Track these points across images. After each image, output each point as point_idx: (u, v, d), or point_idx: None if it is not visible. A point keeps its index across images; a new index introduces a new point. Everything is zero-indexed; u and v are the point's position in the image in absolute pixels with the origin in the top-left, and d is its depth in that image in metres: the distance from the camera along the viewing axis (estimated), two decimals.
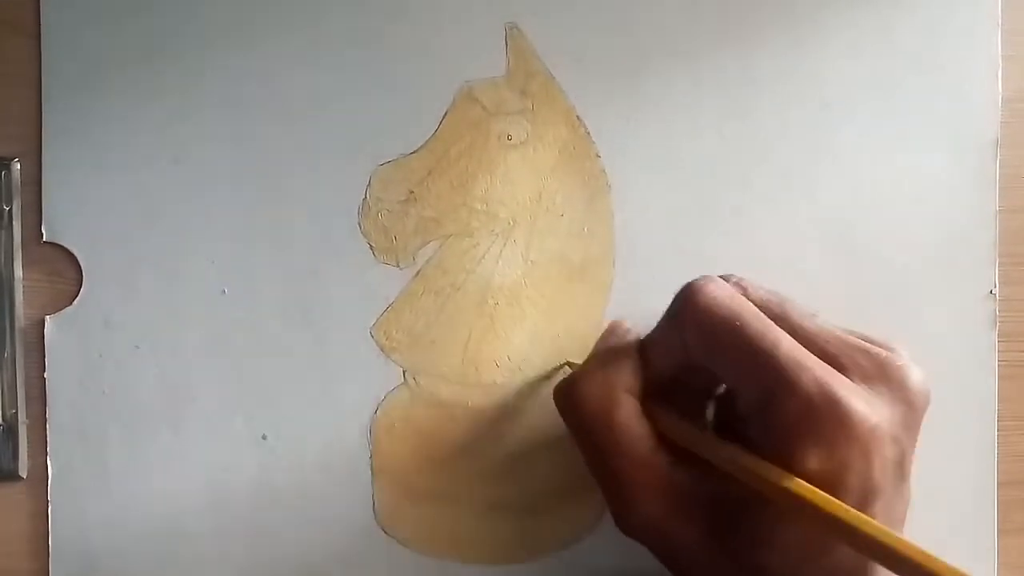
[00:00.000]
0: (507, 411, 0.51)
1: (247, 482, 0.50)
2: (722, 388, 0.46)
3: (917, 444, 0.41)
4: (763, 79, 0.52)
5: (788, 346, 0.40)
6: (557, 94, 0.51)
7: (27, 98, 0.49)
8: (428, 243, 0.51)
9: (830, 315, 0.52)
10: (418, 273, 0.51)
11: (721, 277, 0.43)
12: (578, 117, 0.51)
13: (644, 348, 0.45)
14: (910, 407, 0.40)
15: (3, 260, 0.49)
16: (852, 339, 0.42)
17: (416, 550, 0.51)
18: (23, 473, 0.49)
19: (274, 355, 0.50)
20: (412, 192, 0.51)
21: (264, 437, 0.50)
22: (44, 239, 0.49)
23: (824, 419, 0.38)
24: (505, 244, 0.51)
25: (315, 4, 0.50)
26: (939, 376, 0.52)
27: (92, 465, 0.49)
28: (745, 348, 0.40)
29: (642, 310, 0.51)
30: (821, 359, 0.40)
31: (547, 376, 0.51)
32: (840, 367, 0.40)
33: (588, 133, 0.51)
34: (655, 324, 0.45)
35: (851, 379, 0.40)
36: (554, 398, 0.45)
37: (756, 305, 0.42)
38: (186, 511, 0.50)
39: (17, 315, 0.49)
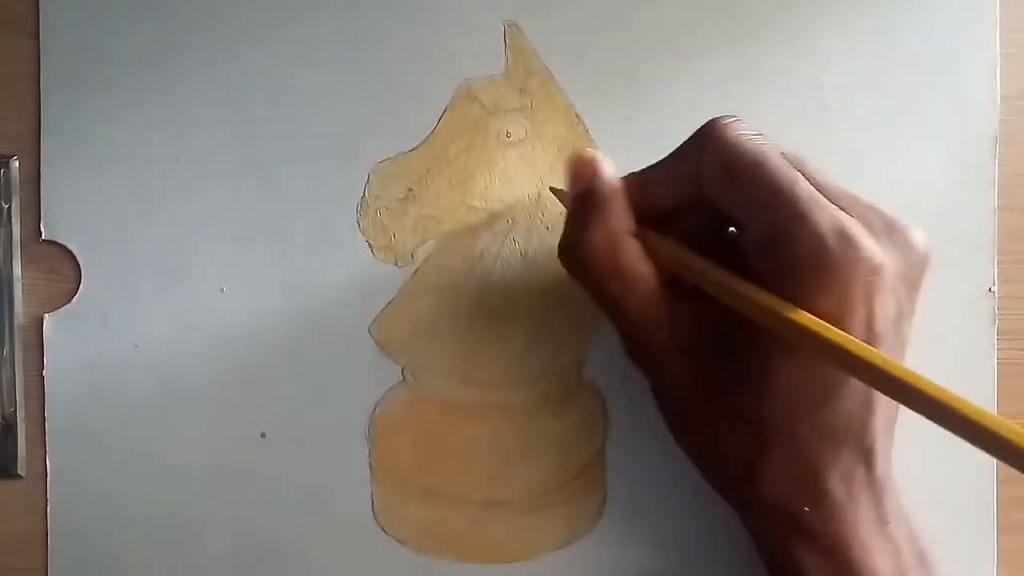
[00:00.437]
0: (506, 409, 0.51)
1: (247, 480, 0.50)
2: (710, 233, 0.45)
3: (915, 312, 0.43)
4: (762, 78, 0.52)
5: (806, 186, 0.40)
6: (556, 92, 0.51)
7: (26, 97, 0.49)
8: (427, 241, 0.51)
9: None
10: (417, 271, 0.51)
11: None
12: (577, 115, 0.51)
13: (640, 183, 0.45)
14: (912, 264, 0.42)
15: (2, 258, 0.49)
16: (863, 199, 0.42)
17: (415, 549, 0.51)
18: (22, 472, 0.49)
19: (273, 353, 0.50)
20: (411, 190, 0.51)
21: (263, 435, 0.50)
22: (43, 237, 0.49)
23: (834, 254, 0.39)
24: (504, 242, 0.51)
25: (314, 3, 0.50)
26: (937, 374, 0.52)
27: (91, 464, 0.50)
28: (765, 181, 0.40)
29: None
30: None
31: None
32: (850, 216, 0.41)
33: (587, 131, 0.51)
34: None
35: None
36: (559, 256, 0.45)
37: None
38: (185, 509, 0.50)
39: (16, 313, 0.49)
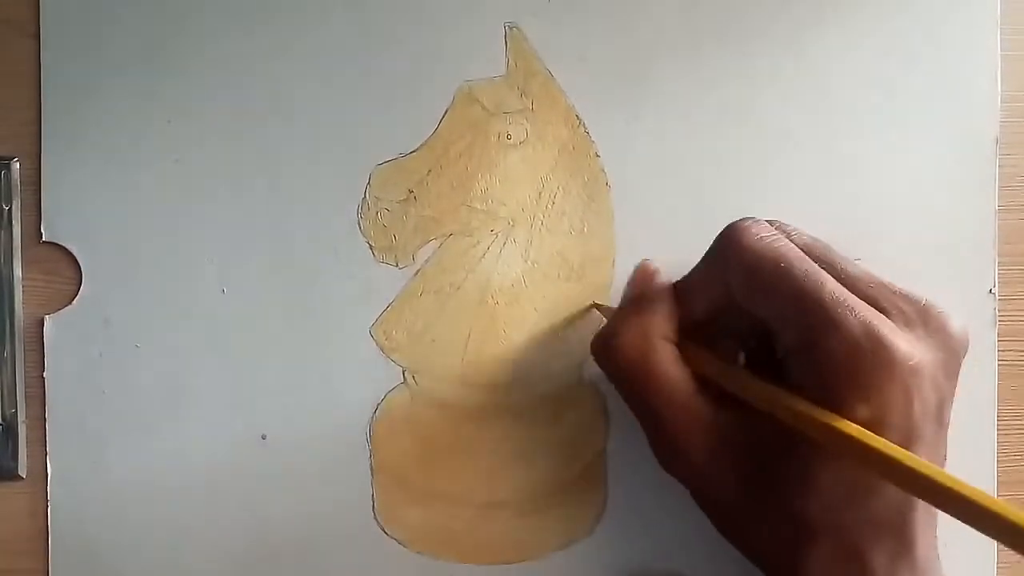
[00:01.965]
0: (507, 410, 0.51)
1: (247, 481, 0.50)
2: (754, 336, 0.46)
3: (956, 393, 0.42)
4: (763, 79, 0.52)
5: (833, 287, 0.40)
6: (557, 94, 0.51)
7: (27, 98, 0.49)
8: (428, 242, 0.51)
9: None
10: (418, 273, 0.51)
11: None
12: (578, 117, 0.51)
13: (680, 291, 0.45)
14: (950, 353, 0.41)
15: (3, 260, 0.49)
16: (894, 285, 0.42)
17: (415, 550, 0.51)
18: (23, 472, 0.49)
19: (274, 354, 0.50)
20: (411, 191, 0.51)
21: (264, 437, 0.50)
22: (43, 239, 0.49)
23: (868, 359, 0.38)
24: (505, 244, 0.51)
25: (315, 4, 0.50)
26: None
27: (92, 464, 0.50)
28: (790, 288, 0.40)
29: None
30: (864, 302, 0.40)
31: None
32: (882, 310, 0.40)
33: (588, 133, 0.51)
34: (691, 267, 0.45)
35: (893, 322, 0.40)
36: (592, 350, 0.46)
37: (800, 248, 0.42)
38: (186, 510, 0.50)
39: (16, 314, 0.49)
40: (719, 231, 0.50)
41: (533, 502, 0.51)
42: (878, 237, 0.52)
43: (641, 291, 0.46)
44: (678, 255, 0.51)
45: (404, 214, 0.51)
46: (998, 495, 0.53)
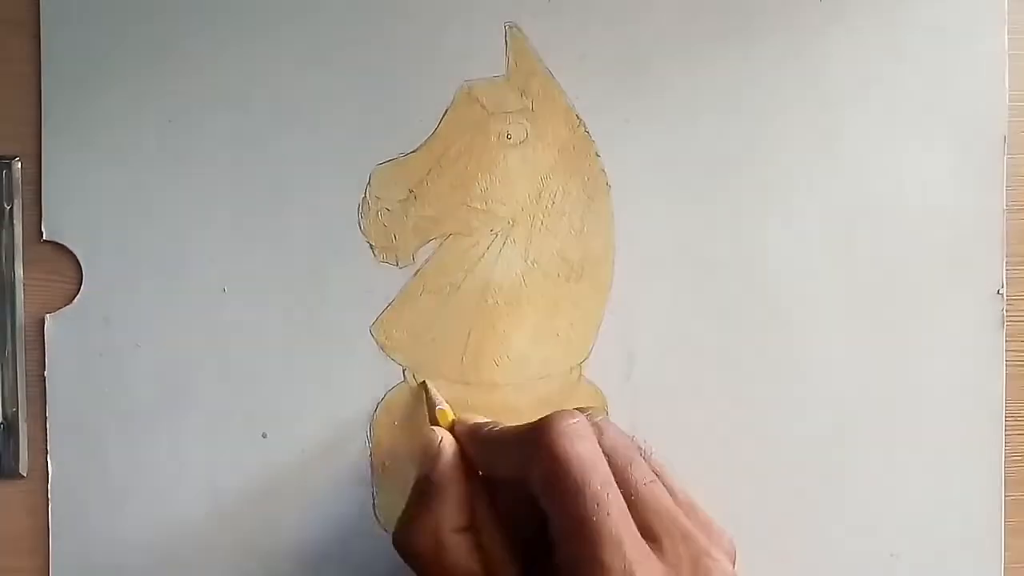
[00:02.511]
0: (506, 410, 0.51)
1: (247, 480, 0.50)
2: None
3: None
4: (765, 79, 0.52)
5: (614, 521, 0.40)
6: (557, 94, 0.51)
7: (27, 97, 0.49)
8: (428, 242, 0.51)
9: (833, 315, 0.52)
10: (418, 272, 0.51)
11: (579, 410, 0.44)
12: (578, 117, 0.51)
13: (490, 444, 0.45)
14: None
15: (3, 259, 0.49)
16: (680, 519, 0.42)
17: None
18: (23, 471, 0.50)
19: (274, 354, 0.50)
20: (412, 191, 0.51)
21: (264, 435, 0.50)
22: (44, 238, 0.50)
23: None
24: (505, 243, 0.51)
25: (315, 3, 0.50)
26: (946, 376, 0.52)
27: (92, 463, 0.50)
28: (576, 512, 0.40)
29: (642, 310, 0.51)
30: (644, 529, 0.40)
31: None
32: (657, 544, 0.41)
33: (588, 133, 0.51)
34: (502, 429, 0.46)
35: (662, 560, 0.40)
36: (392, 543, 0.45)
37: (605, 453, 0.42)
38: (186, 509, 0.50)
39: (17, 314, 0.49)
40: (719, 230, 0.50)
41: None
42: (884, 238, 0.52)
43: (426, 475, 0.46)
44: (678, 255, 0.51)
45: (404, 214, 0.51)
46: (1005, 495, 0.53)
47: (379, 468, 0.51)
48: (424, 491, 0.45)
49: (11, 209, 0.49)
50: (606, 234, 0.51)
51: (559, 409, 0.43)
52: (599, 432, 0.43)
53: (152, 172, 0.50)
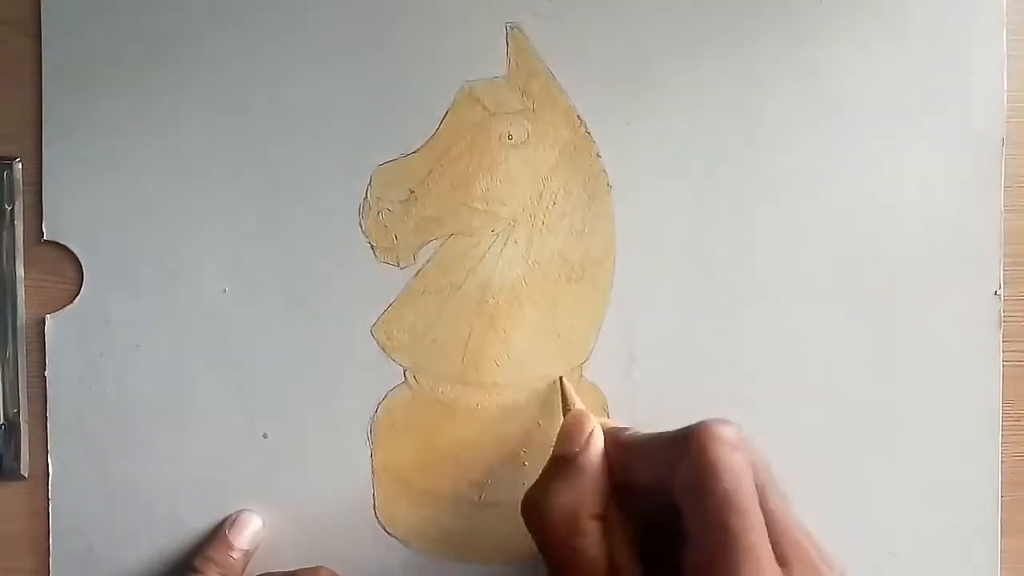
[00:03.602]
0: (507, 410, 0.51)
1: (247, 480, 0.50)
2: (654, 521, 0.46)
3: None
4: (765, 79, 0.52)
5: (755, 536, 0.40)
6: (558, 94, 0.51)
7: (27, 98, 0.49)
8: (429, 242, 0.51)
9: (831, 315, 0.52)
10: (419, 272, 0.51)
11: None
12: (579, 117, 0.51)
13: (631, 450, 0.45)
14: None
15: (4, 259, 0.49)
16: (807, 545, 0.42)
17: (416, 548, 0.51)
18: (24, 472, 0.50)
19: (275, 354, 0.50)
20: (413, 192, 0.51)
21: (265, 435, 0.50)
22: (45, 238, 0.50)
23: None
24: (506, 244, 0.51)
25: (316, 4, 0.50)
26: (943, 376, 0.52)
27: (93, 464, 0.50)
28: (724, 518, 0.40)
29: (642, 310, 0.51)
30: (776, 552, 0.41)
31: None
32: (787, 567, 0.41)
33: (588, 133, 0.51)
34: (652, 432, 0.45)
35: None
36: (521, 509, 0.45)
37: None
38: (186, 509, 0.50)
39: (18, 314, 0.49)
40: (719, 230, 0.50)
41: None
42: (883, 238, 0.52)
43: (579, 459, 0.46)
44: (678, 255, 0.51)
45: (405, 214, 0.51)
46: (1002, 495, 0.53)
47: (379, 467, 0.51)
48: (568, 469, 0.45)
49: (12, 210, 0.49)
50: (606, 234, 0.51)
51: (713, 419, 0.43)
52: (743, 443, 0.43)
53: (152, 172, 0.50)
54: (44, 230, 0.49)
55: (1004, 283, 0.53)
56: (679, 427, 0.43)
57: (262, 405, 0.50)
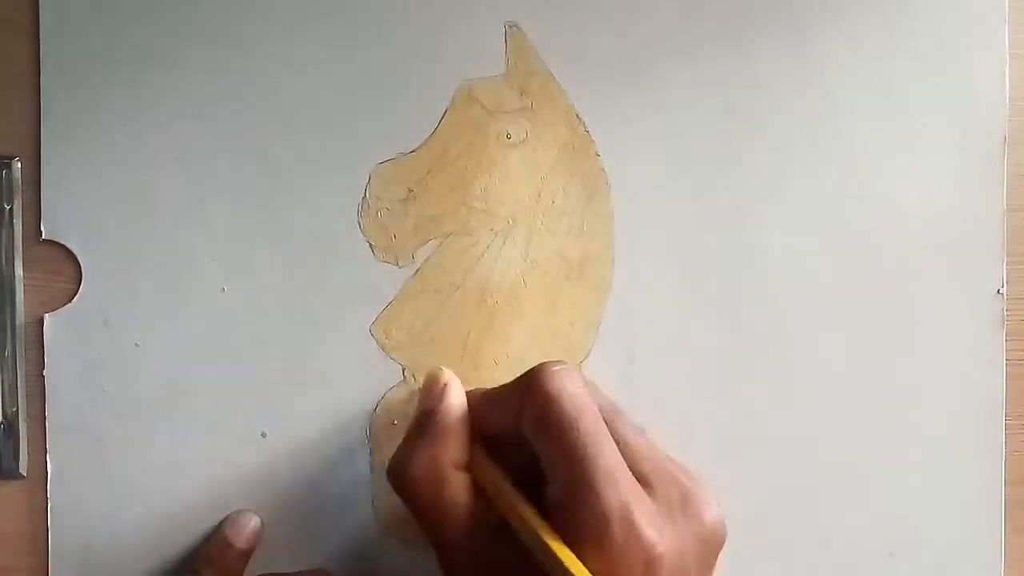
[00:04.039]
0: None
1: (247, 480, 0.50)
2: (527, 470, 0.46)
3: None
4: (765, 79, 0.52)
5: (608, 456, 0.41)
6: (557, 93, 0.51)
7: (27, 98, 0.49)
8: (427, 242, 0.51)
9: (832, 314, 0.52)
10: (417, 272, 0.51)
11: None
12: (578, 116, 0.51)
13: (475, 405, 0.46)
14: (702, 543, 0.42)
15: (3, 258, 0.49)
16: (668, 465, 0.43)
17: (415, 548, 0.51)
18: (23, 471, 0.50)
19: (274, 353, 0.50)
20: (412, 191, 0.50)
21: (264, 435, 0.50)
22: (43, 237, 0.49)
23: (616, 538, 0.40)
24: (504, 243, 0.51)
25: (315, 4, 0.50)
26: (946, 375, 0.52)
27: (92, 463, 0.50)
28: (571, 445, 0.41)
29: (642, 310, 0.51)
30: (632, 470, 0.42)
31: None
32: (648, 486, 0.42)
33: (588, 132, 0.51)
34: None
35: (654, 500, 0.42)
36: (387, 477, 0.46)
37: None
38: (186, 509, 0.50)
39: (17, 313, 0.49)
40: (719, 230, 0.50)
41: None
42: (885, 238, 0.52)
43: (436, 411, 0.46)
44: (678, 255, 0.51)
45: (404, 213, 0.51)
46: (1006, 494, 0.53)
47: (379, 468, 0.51)
48: (425, 425, 0.45)
49: (11, 209, 0.49)
50: (606, 234, 0.51)
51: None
52: (586, 382, 0.44)
53: (152, 172, 0.50)
54: (43, 229, 0.49)
55: (1007, 282, 0.53)
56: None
57: (261, 404, 0.50)
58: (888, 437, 0.52)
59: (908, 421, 0.52)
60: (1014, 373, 0.53)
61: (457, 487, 0.44)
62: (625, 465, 0.42)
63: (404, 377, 0.51)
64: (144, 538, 0.50)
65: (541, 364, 0.44)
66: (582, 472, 0.41)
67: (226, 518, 0.50)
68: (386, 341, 0.51)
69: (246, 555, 0.49)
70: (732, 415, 0.52)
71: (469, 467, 0.45)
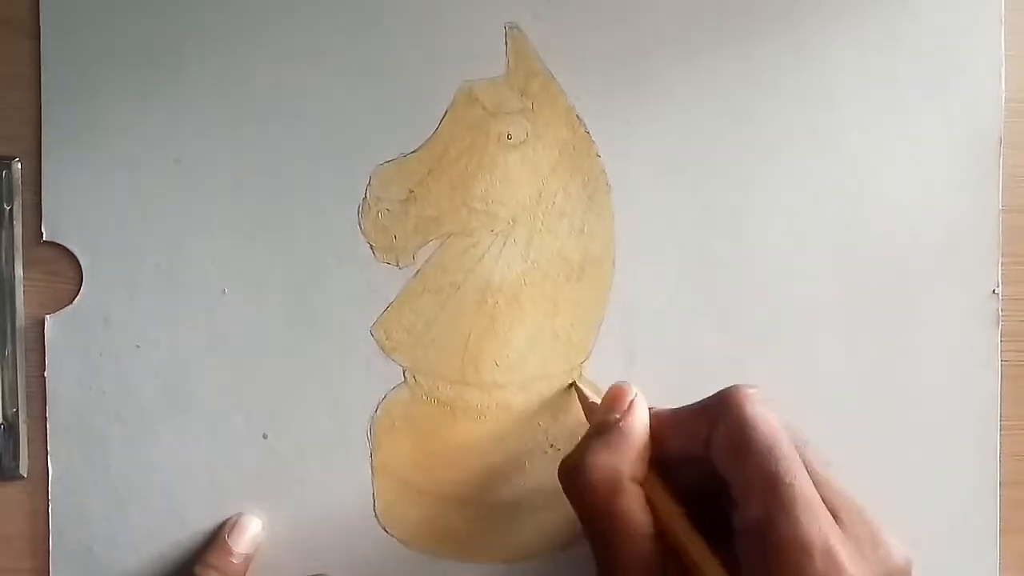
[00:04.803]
0: (507, 410, 0.51)
1: (248, 481, 0.50)
2: (700, 494, 0.45)
3: None
4: (764, 79, 0.52)
5: (806, 486, 0.40)
6: (557, 94, 0.51)
7: (27, 98, 0.49)
8: (428, 242, 0.51)
9: (830, 314, 0.52)
10: (418, 272, 0.51)
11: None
12: (578, 117, 0.51)
13: (656, 425, 0.45)
14: None
15: (4, 259, 0.49)
16: (856, 501, 0.42)
17: (416, 549, 0.51)
18: (24, 472, 0.49)
19: (274, 354, 0.50)
20: (412, 192, 0.51)
21: (265, 436, 0.50)
22: (44, 238, 0.49)
23: (816, 567, 0.39)
24: (505, 244, 0.51)
25: (315, 4, 0.50)
26: (941, 375, 0.52)
27: (93, 464, 0.50)
28: (769, 472, 0.40)
29: (642, 310, 0.51)
30: (826, 509, 0.41)
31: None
32: (840, 521, 0.41)
33: (588, 133, 0.51)
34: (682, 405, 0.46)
35: (845, 533, 0.40)
36: (559, 475, 0.45)
37: None
38: (187, 510, 0.50)
39: (17, 314, 0.49)
40: (719, 230, 0.50)
41: (533, 501, 0.51)
42: (880, 237, 0.52)
43: (622, 424, 0.45)
44: (678, 255, 0.51)
45: (404, 214, 0.51)
46: (1000, 495, 0.53)
47: (379, 467, 0.51)
48: (608, 435, 0.45)
49: (11, 210, 0.49)
50: (606, 234, 0.51)
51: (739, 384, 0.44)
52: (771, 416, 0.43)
53: (152, 172, 0.50)
54: (43, 230, 0.49)
55: (1002, 282, 0.53)
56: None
57: (262, 405, 0.50)
58: (884, 437, 0.53)
59: (903, 420, 0.52)
60: (1009, 373, 0.53)
61: (633, 501, 0.43)
62: (819, 497, 0.41)
63: (405, 378, 0.51)
64: (145, 539, 0.50)
65: (735, 386, 0.43)
66: (781, 500, 0.40)
67: (225, 522, 0.50)
68: (387, 342, 0.51)
69: (247, 559, 0.49)
70: None
71: (647, 484, 0.44)
